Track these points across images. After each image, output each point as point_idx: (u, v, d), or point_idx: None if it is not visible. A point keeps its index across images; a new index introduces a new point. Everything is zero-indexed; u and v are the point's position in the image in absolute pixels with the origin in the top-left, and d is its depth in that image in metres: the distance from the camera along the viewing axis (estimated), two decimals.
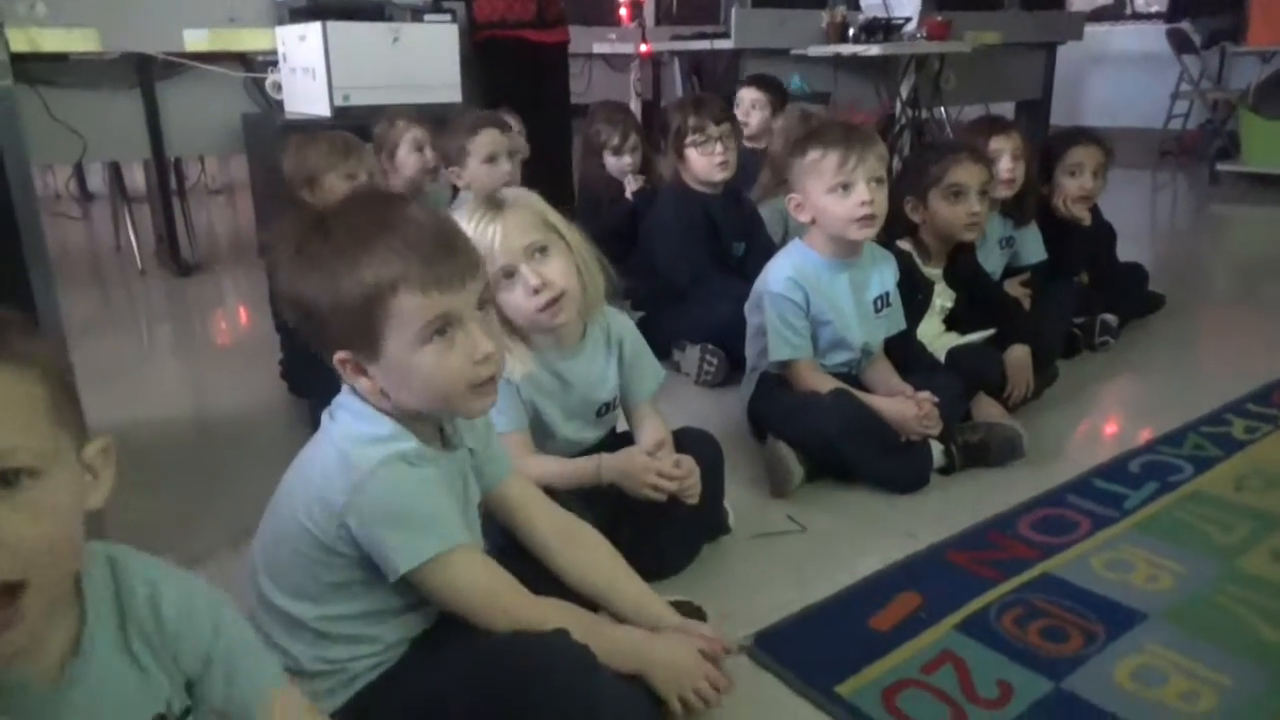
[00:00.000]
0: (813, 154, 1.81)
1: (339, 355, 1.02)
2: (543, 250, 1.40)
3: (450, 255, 1.00)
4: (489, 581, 1.07)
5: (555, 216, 1.43)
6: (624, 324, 1.58)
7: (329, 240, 0.99)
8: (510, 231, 1.37)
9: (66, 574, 0.72)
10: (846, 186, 1.78)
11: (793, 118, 2.94)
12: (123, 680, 0.78)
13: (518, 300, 1.40)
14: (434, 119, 2.85)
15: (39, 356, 0.70)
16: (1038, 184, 2.61)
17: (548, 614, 1.08)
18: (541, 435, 1.51)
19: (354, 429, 1.04)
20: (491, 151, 2.48)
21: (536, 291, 1.38)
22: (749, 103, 3.43)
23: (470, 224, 1.36)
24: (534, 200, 1.43)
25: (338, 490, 1.00)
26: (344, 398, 1.08)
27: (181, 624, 0.81)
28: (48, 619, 0.72)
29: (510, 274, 1.39)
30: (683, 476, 1.44)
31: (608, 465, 1.45)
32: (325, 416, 1.08)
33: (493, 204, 1.39)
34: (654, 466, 1.44)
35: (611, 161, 2.97)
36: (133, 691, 0.79)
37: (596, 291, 1.47)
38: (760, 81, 3.53)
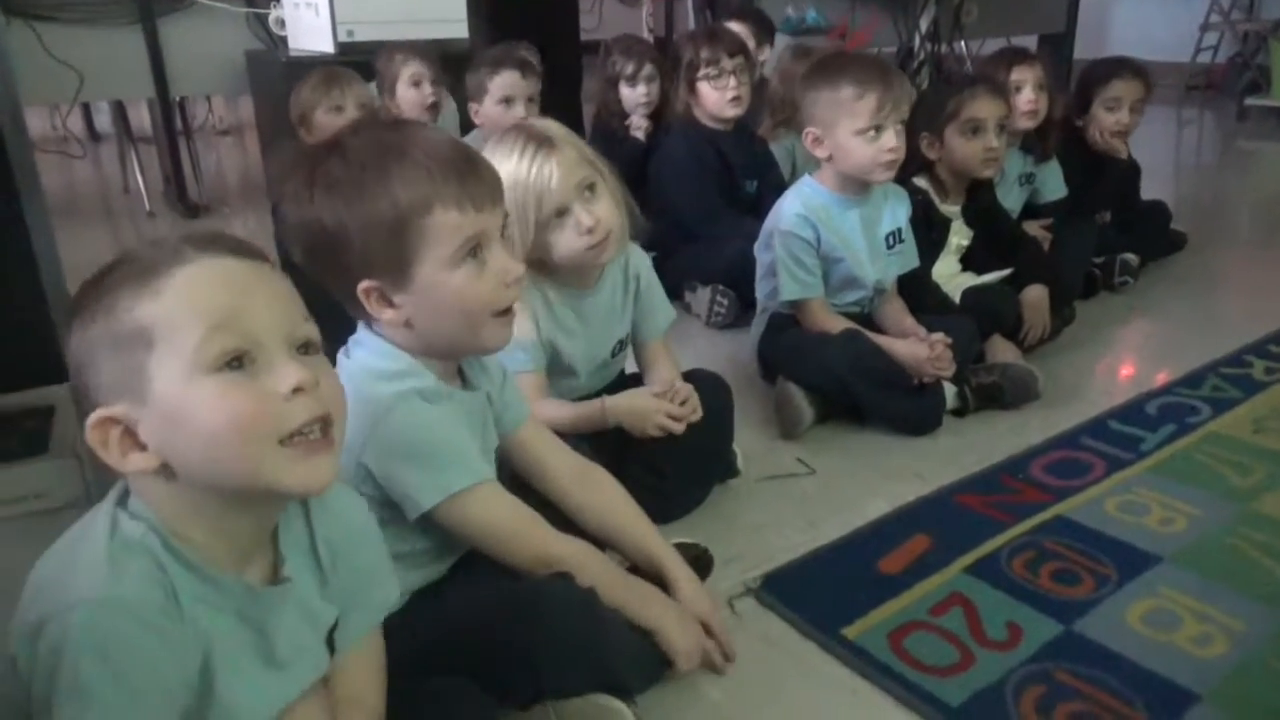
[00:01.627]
0: (847, 90, 1.74)
1: (364, 284, 0.98)
2: (591, 188, 1.37)
3: (478, 174, 0.99)
4: (513, 516, 1.07)
5: (596, 155, 1.40)
6: (641, 258, 1.56)
7: (347, 162, 0.96)
8: (567, 169, 1.33)
9: (344, 429, 0.79)
10: (878, 129, 1.73)
11: (784, 54, 2.85)
12: (312, 587, 0.84)
13: (568, 240, 1.37)
14: (441, 54, 2.78)
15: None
16: (1073, 114, 2.55)
17: (569, 553, 1.08)
18: (560, 375, 1.49)
19: (370, 365, 1.03)
20: (508, 93, 2.43)
21: (589, 231, 1.35)
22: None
23: (519, 160, 1.32)
24: (571, 135, 1.39)
25: (354, 428, 0.96)
26: (361, 334, 1.06)
27: (351, 543, 0.87)
28: (268, 519, 0.81)
29: (563, 213, 1.35)
30: (689, 413, 1.43)
31: (612, 406, 1.43)
32: (341, 354, 1.06)
33: (540, 139, 1.33)
34: (663, 407, 1.42)
35: (627, 93, 2.89)
36: (317, 598, 0.84)
37: (627, 229, 1.45)
38: (745, 14, 3.41)
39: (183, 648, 0.71)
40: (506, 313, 1.03)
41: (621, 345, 1.56)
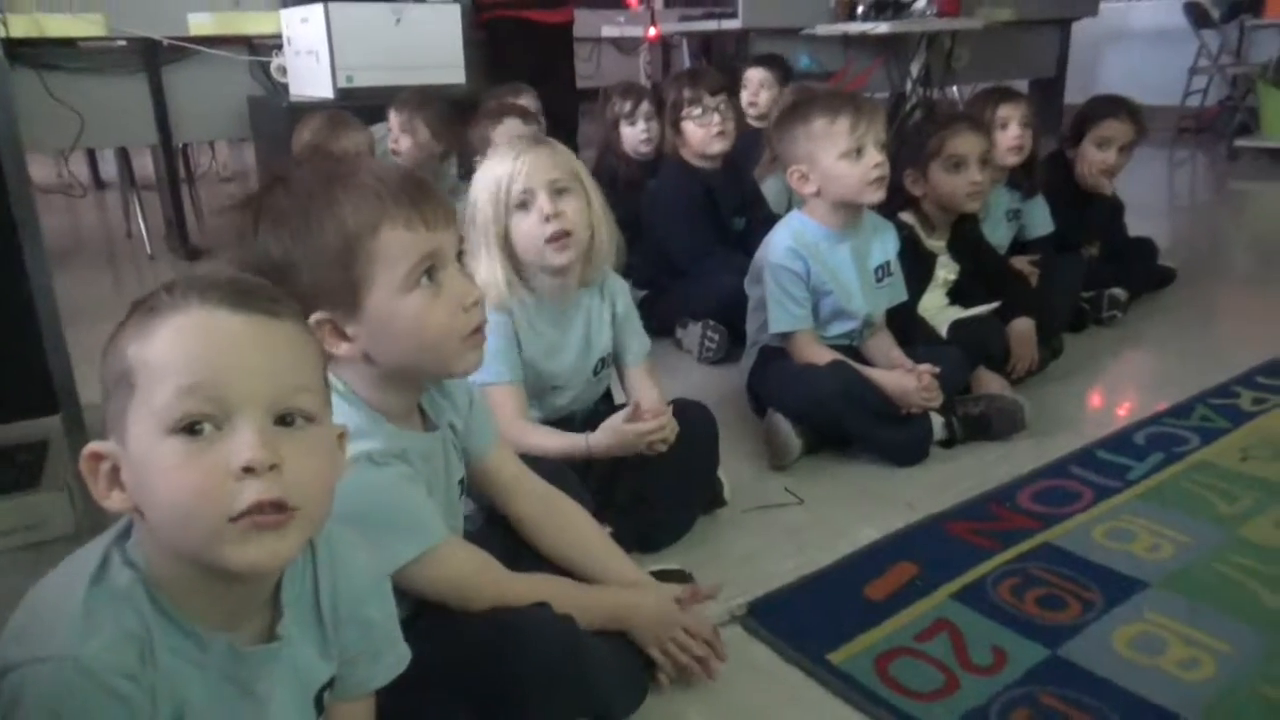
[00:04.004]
0: (821, 121, 1.79)
1: (316, 317, 0.95)
2: (563, 191, 1.43)
3: (429, 195, 0.97)
4: (468, 569, 1.06)
5: (586, 174, 1.47)
6: (619, 285, 1.61)
7: (292, 194, 0.95)
8: (540, 162, 1.41)
9: (323, 518, 0.74)
10: (859, 150, 1.77)
11: (786, 94, 2.91)
12: (310, 644, 0.81)
13: (528, 227, 1.42)
14: (447, 107, 2.82)
15: (308, 323, 0.77)
16: (1065, 146, 2.60)
17: (529, 589, 1.07)
18: (545, 393, 1.52)
19: None
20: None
21: (547, 220, 1.40)
22: (757, 83, 3.39)
23: (505, 152, 1.41)
24: (570, 154, 1.47)
25: None
26: None
27: (359, 598, 0.83)
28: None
29: (525, 203, 1.41)
30: (664, 430, 1.44)
31: (594, 441, 1.44)
32: None
33: (534, 139, 1.46)
34: (642, 429, 1.43)
35: (627, 132, 2.94)
36: (316, 656, 0.81)
37: (604, 249, 1.49)
38: (766, 61, 3.51)
39: (147, 714, 0.68)
40: (475, 336, 1.01)
41: (604, 364, 1.59)
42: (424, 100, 2.71)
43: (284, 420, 0.70)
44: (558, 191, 1.42)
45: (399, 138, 2.67)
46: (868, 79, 5.05)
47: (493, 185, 1.41)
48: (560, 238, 1.41)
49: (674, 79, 2.64)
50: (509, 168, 1.40)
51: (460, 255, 1.01)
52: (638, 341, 1.62)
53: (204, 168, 5.67)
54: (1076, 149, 2.59)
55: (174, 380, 0.67)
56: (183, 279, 0.72)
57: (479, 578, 1.06)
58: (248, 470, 0.67)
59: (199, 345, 0.68)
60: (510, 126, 2.48)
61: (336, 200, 0.94)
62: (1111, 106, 2.57)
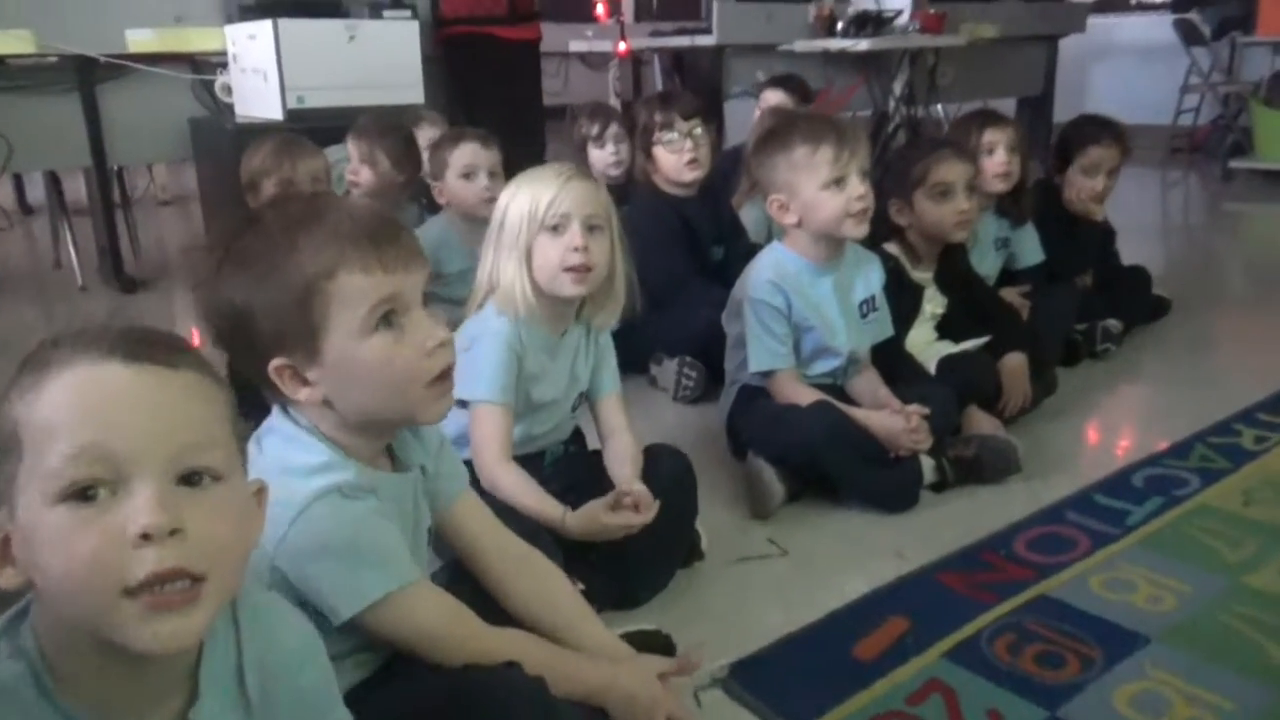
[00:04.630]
0: (802, 149, 1.81)
1: (275, 363, 0.98)
2: (595, 229, 1.50)
3: (392, 237, 0.99)
4: (441, 617, 1.06)
5: (617, 220, 1.55)
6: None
7: (259, 236, 0.98)
8: (584, 193, 1.49)
9: (235, 585, 0.73)
10: (840, 181, 1.79)
11: (764, 117, 2.94)
12: None
13: (554, 251, 1.48)
14: (406, 134, 2.82)
15: (216, 372, 0.75)
16: (1051, 174, 2.65)
17: (504, 645, 1.07)
18: (527, 414, 1.56)
19: (284, 458, 1.01)
20: (470, 165, 2.46)
21: (575, 250, 1.46)
22: (776, 104, 3.36)
23: (555, 170, 1.51)
24: (608, 194, 1.56)
25: (267, 531, 0.94)
26: (274, 420, 1.05)
27: (290, 665, 0.82)
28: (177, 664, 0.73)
29: (559, 226, 1.47)
30: (643, 519, 1.45)
31: (572, 523, 1.44)
32: (251, 446, 1.03)
33: (583, 169, 1.58)
34: (621, 523, 1.44)
35: (595, 155, 2.97)
36: None
37: (616, 301, 1.58)
38: (784, 82, 3.48)
39: None
40: (441, 382, 1.03)
41: (582, 399, 1.63)
42: (385, 129, 2.71)
43: (188, 480, 0.68)
44: (591, 227, 1.49)
45: (359, 169, 2.66)
46: (849, 98, 5.13)
47: (530, 201, 1.48)
48: (581, 270, 1.48)
49: (645, 101, 2.67)
50: (553, 189, 1.47)
51: (426, 298, 1.03)
52: (609, 376, 1.66)
53: (140, 190, 5.63)
54: (1063, 175, 2.65)
55: (62, 442, 0.65)
56: (70, 331, 0.71)
57: (452, 628, 1.06)
58: (145, 537, 0.64)
59: (87, 403, 0.67)
60: (467, 150, 2.48)
61: (297, 245, 0.96)
62: (1095, 131, 2.63)
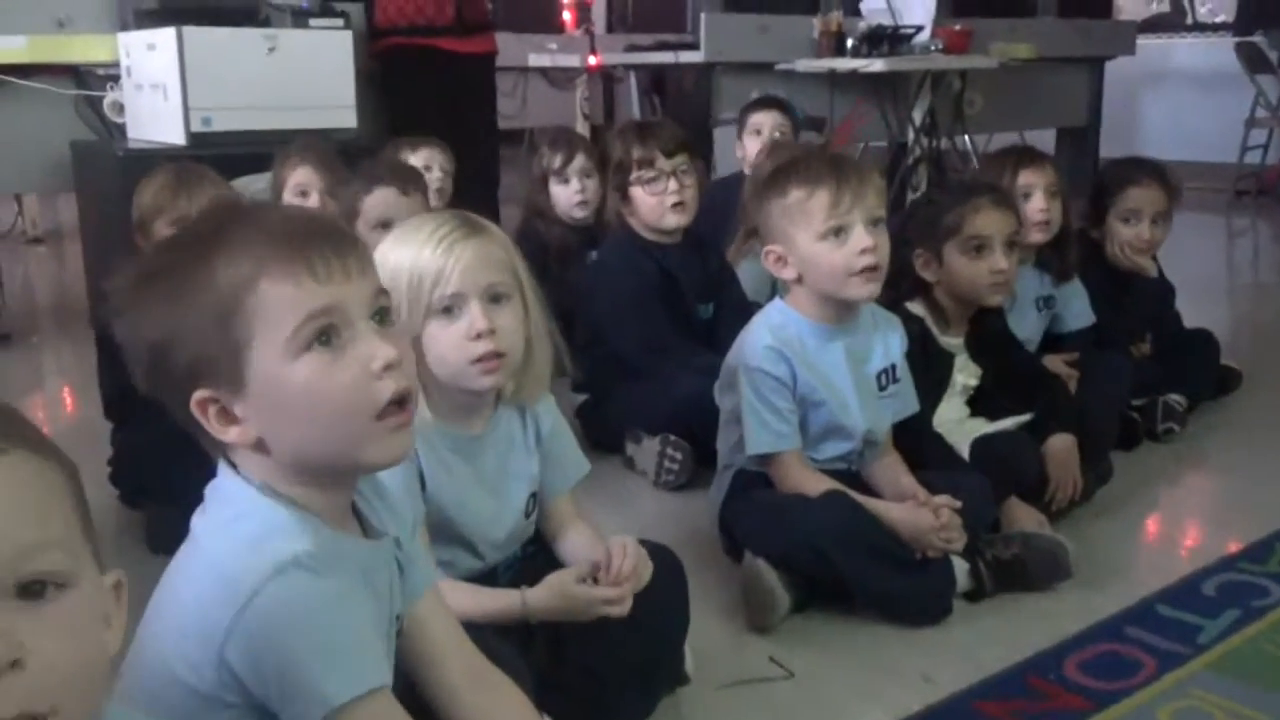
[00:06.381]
0: (796, 194, 1.84)
1: (198, 396, 0.97)
2: (500, 298, 1.44)
3: (327, 240, 0.99)
4: None
5: (525, 272, 1.48)
6: (544, 398, 1.61)
7: (173, 253, 0.99)
8: (479, 259, 1.41)
9: (90, 711, 0.72)
10: (840, 231, 1.81)
11: (767, 158, 2.98)
12: None
13: (452, 340, 1.42)
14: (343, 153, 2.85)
15: (57, 449, 0.73)
16: (1089, 228, 2.70)
17: None
18: (455, 546, 1.51)
19: (231, 526, 1.00)
20: (385, 216, 2.34)
21: (479, 337, 1.41)
22: (770, 129, 3.42)
23: (433, 231, 1.40)
24: (508, 243, 1.48)
25: (215, 616, 0.95)
26: (219, 480, 1.04)
27: None
28: None
29: (452, 308, 1.41)
30: (624, 595, 1.43)
31: (535, 602, 1.44)
32: (196, 516, 1.03)
33: (471, 224, 1.44)
34: (598, 596, 1.43)
35: (558, 192, 2.99)
36: None
37: (540, 369, 1.52)
38: (778, 103, 3.53)
39: None
40: (396, 412, 1.00)
41: (535, 500, 1.60)
42: (322, 153, 2.73)
43: (27, 591, 0.67)
44: (493, 299, 1.43)
45: (325, 202, 2.66)
46: (852, 129, 5.22)
47: (411, 280, 1.39)
48: (491, 359, 1.42)
49: (620, 133, 2.70)
50: (436, 263, 1.39)
51: (382, 314, 1.02)
52: (570, 465, 1.63)
53: (7, 226, 5.62)
54: (1101, 228, 2.70)
55: None
56: None
57: None
58: None
59: None
60: (381, 197, 2.41)
61: (214, 257, 0.96)
62: (1130, 170, 2.69)
